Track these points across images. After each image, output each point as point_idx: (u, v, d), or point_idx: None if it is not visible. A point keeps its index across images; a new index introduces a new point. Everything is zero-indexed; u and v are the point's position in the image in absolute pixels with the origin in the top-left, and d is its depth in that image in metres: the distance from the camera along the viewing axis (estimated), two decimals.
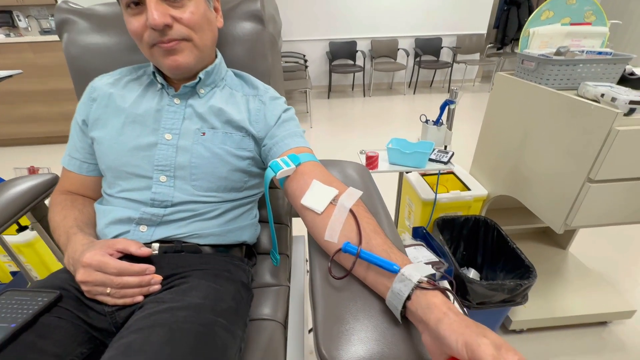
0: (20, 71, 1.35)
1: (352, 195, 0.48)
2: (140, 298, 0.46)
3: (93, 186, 0.62)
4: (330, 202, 0.47)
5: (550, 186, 0.89)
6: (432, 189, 1.18)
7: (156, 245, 0.53)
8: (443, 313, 0.31)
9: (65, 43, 0.74)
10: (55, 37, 2.78)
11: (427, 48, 4.26)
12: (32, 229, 0.78)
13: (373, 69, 4.15)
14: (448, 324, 0.30)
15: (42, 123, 2.89)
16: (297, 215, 0.60)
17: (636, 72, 0.91)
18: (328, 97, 4.23)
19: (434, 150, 0.99)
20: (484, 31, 4.35)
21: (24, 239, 1.04)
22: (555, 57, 0.86)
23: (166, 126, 0.56)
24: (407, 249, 0.97)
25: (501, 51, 4.68)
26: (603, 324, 1.16)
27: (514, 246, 1.06)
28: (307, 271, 0.62)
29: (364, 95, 4.28)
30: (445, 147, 1.03)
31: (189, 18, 0.51)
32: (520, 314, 1.10)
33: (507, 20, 4.50)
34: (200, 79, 0.57)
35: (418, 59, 4.21)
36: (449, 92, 4.37)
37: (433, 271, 0.37)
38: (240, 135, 0.59)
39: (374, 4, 4.07)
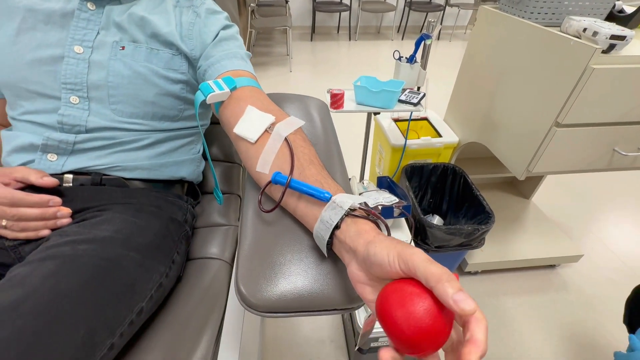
0: None
1: (290, 124, 0.42)
2: (45, 232, 0.41)
3: None
4: (266, 130, 0.42)
5: (517, 131, 0.86)
6: (404, 134, 1.14)
7: (69, 177, 0.46)
8: (373, 236, 0.28)
9: None
10: None
11: None
12: None
13: (360, 9, 3.82)
14: (379, 243, 0.26)
15: None
16: None
17: (625, 9, 0.84)
18: (311, 40, 3.93)
19: (404, 90, 0.93)
20: None
21: None
22: None
23: (75, 37, 0.47)
24: (369, 192, 0.95)
25: None
26: (552, 267, 1.23)
27: (477, 193, 1.06)
28: None
29: (350, 39, 4.00)
30: (418, 88, 0.97)
31: None
32: (476, 257, 1.15)
33: None
34: None
35: (409, 0, 3.89)
36: (438, 38, 4.14)
37: (364, 199, 0.33)
38: (169, 52, 0.50)
39: None
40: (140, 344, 0.43)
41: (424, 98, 0.92)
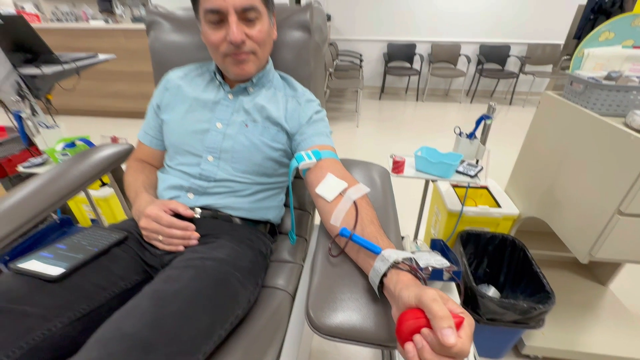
0: (113, 56, 1.62)
1: (358, 190, 0.56)
2: (181, 248, 0.59)
3: (158, 158, 0.78)
4: (340, 193, 0.56)
5: (579, 213, 0.86)
6: (461, 201, 1.19)
7: (199, 210, 0.66)
8: (406, 284, 0.38)
9: (151, 39, 0.91)
10: (143, 26, 3.20)
11: (492, 56, 4.03)
12: (110, 186, 0.97)
13: (430, 73, 4.04)
14: (407, 289, 0.37)
15: (126, 99, 3.34)
16: None
17: None
18: (379, 98, 4.23)
19: (463, 162, 1.01)
20: (561, 41, 3.98)
21: (103, 195, 1.28)
22: (604, 82, 0.83)
23: (219, 116, 0.69)
24: (421, 253, 1.00)
25: None
26: None
27: (537, 270, 1.04)
28: None
29: (417, 100, 4.20)
30: (477, 161, 1.04)
31: (257, 35, 0.62)
32: (535, 340, 1.07)
33: (592, 29, 4.06)
34: (252, 81, 0.69)
35: (480, 66, 4.01)
36: (510, 104, 4.10)
37: (410, 255, 0.43)
38: (276, 129, 0.69)
39: (436, 7, 3.96)
40: (223, 347, 0.56)
41: (482, 171, 0.99)
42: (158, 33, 0.90)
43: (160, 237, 0.58)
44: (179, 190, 0.67)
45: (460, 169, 0.98)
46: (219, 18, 0.59)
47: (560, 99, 0.99)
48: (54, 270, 0.48)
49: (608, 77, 0.84)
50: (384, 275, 0.42)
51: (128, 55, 3.12)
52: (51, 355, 0.44)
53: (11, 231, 0.61)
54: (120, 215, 1.36)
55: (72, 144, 1.07)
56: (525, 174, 1.17)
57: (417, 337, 0.33)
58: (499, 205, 1.20)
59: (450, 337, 0.30)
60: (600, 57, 0.92)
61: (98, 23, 3.84)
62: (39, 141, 1.12)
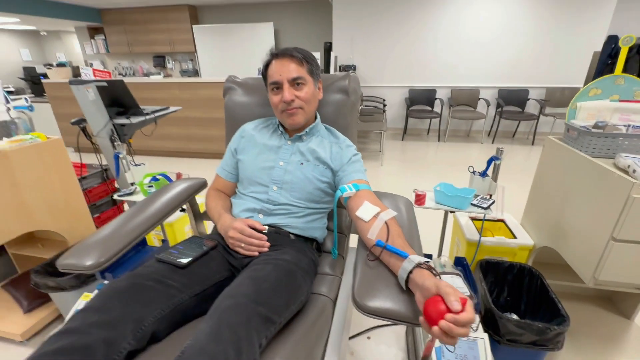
0: (180, 107, 1.97)
1: (388, 213, 0.75)
2: (257, 253, 0.80)
3: (231, 188, 1.02)
4: (374, 215, 0.75)
5: (582, 241, 0.99)
6: (479, 231, 1.33)
7: (266, 227, 0.87)
8: (427, 277, 0.56)
9: (226, 101, 1.20)
10: (193, 79, 3.72)
11: (512, 99, 4.23)
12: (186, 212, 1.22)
13: (450, 116, 4.27)
14: (428, 279, 0.54)
15: (174, 141, 3.78)
16: (355, 232, 0.88)
17: None
18: (402, 139, 4.47)
19: (477, 196, 1.17)
20: (580, 85, 4.13)
21: (171, 219, 1.54)
22: (593, 130, 1.00)
23: (281, 157, 0.92)
24: (444, 276, 1.14)
25: None
26: None
27: (553, 296, 1.13)
28: None
29: (439, 140, 4.40)
30: (490, 195, 1.19)
31: (303, 96, 0.87)
32: None
33: (611, 72, 4.20)
34: (306, 131, 0.93)
35: (500, 109, 4.20)
36: (532, 144, 4.19)
37: (430, 260, 0.61)
38: (323, 167, 0.92)
39: (455, 55, 4.29)
40: (279, 337, 0.72)
41: (494, 204, 1.14)
42: (232, 95, 1.20)
43: (243, 245, 0.79)
44: (252, 212, 0.89)
45: (475, 202, 1.15)
46: (278, 86, 0.86)
47: (561, 143, 1.16)
48: (183, 260, 0.70)
49: (595, 126, 1.01)
50: (410, 272, 0.60)
51: (182, 103, 3.61)
52: (179, 316, 0.65)
53: (124, 246, 0.81)
54: (181, 236, 1.60)
55: (155, 178, 1.34)
56: (536, 208, 1.30)
57: (442, 322, 0.50)
58: (514, 237, 1.33)
59: (458, 305, 0.46)
60: (591, 109, 1.10)
61: (157, 77, 4.47)
62: (129, 176, 1.41)
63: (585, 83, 4.17)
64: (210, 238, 0.85)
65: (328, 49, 5.27)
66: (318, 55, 4.51)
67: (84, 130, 1.70)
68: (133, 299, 0.61)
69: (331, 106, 1.08)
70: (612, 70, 4.32)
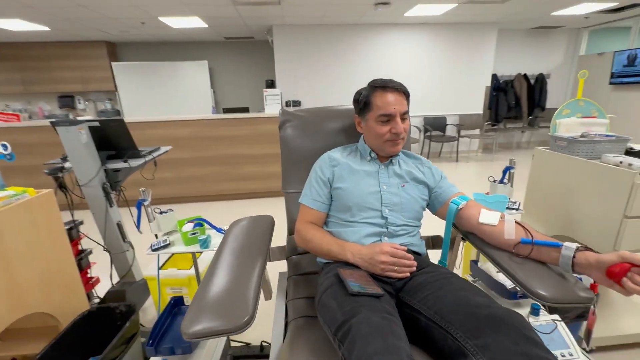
0: (170, 147, 1.78)
1: (510, 215, 0.85)
2: (408, 274, 0.79)
3: (323, 219, 0.98)
4: (500, 219, 0.84)
5: (597, 224, 1.26)
6: None
7: (406, 247, 0.87)
8: (596, 254, 0.67)
9: (283, 132, 1.18)
10: (189, 117, 3.31)
11: (435, 125, 5.01)
12: None
13: None
14: (600, 255, 0.65)
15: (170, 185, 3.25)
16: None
17: (635, 147, 1.37)
18: None
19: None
20: (481, 111, 5.18)
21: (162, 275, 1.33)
22: (581, 139, 1.33)
23: (382, 181, 0.96)
24: None
25: (496, 127, 5.51)
26: None
27: None
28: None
29: None
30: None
31: (406, 128, 0.94)
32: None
33: (497, 102, 5.41)
34: (397, 156, 0.99)
35: (428, 133, 4.92)
36: (457, 160, 4.99)
37: (580, 245, 0.72)
38: (422, 186, 0.98)
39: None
40: None
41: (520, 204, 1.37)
42: (288, 129, 1.18)
43: (396, 268, 0.78)
44: (376, 236, 0.89)
45: (507, 205, 1.36)
46: (388, 119, 0.91)
47: (550, 151, 1.48)
48: (378, 292, 0.66)
49: (582, 136, 1.34)
50: (573, 257, 0.70)
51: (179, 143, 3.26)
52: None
53: (255, 292, 0.73)
54: (164, 296, 1.42)
55: (199, 224, 1.17)
56: (537, 204, 1.59)
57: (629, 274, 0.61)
58: None
59: None
60: (567, 124, 1.45)
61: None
62: (154, 226, 1.19)
63: (483, 110, 5.26)
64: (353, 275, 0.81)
65: (270, 85, 5.41)
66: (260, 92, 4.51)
67: (60, 183, 1.39)
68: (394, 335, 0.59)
69: None
70: (498, 101, 5.59)
